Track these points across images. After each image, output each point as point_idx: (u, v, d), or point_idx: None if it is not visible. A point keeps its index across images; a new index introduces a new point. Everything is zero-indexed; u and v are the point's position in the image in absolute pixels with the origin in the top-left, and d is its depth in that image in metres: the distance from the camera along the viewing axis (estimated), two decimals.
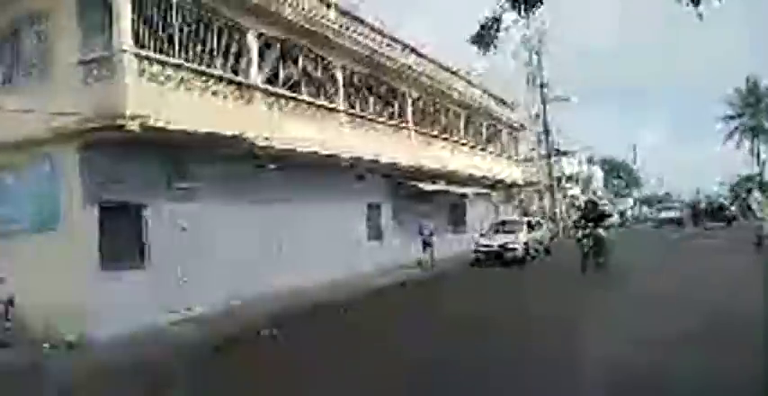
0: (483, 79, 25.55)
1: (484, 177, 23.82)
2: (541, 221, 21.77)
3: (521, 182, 28.98)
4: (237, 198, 11.92)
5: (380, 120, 16.62)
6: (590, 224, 13.64)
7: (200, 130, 9.93)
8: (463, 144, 22.42)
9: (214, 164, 11.35)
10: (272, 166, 12.85)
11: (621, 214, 45.24)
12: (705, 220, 30.62)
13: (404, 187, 17.92)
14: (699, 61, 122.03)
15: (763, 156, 50.46)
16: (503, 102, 27.78)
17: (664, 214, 37.42)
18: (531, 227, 18.46)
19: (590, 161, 58.87)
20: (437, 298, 12.27)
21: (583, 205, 14.91)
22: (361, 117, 15.68)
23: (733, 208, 34.02)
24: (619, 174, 72.64)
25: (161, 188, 10.08)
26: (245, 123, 11.15)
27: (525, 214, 31.11)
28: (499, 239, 17.32)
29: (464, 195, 22.42)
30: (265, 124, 11.76)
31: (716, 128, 63.98)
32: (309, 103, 13.55)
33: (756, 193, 12.37)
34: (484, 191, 23.91)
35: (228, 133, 10.43)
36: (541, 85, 31.34)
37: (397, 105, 18.01)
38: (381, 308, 11.06)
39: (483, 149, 24.45)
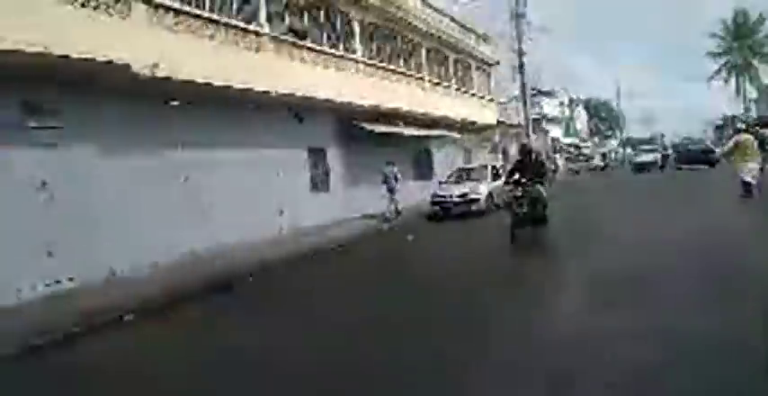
0: (454, 7, 22.83)
1: (451, 118, 21.55)
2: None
3: (494, 123, 26.78)
4: (138, 142, 9.81)
5: (322, 49, 14.13)
6: (525, 180, 9.46)
7: (55, 53, 7.62)
8: (427, 80, 20.02)
9: (103, 99, 9.14)
10: (176, 103, 10.61)
11: (603, 156, 43.32)
12: (684, 163, 28.63)
13: (355, 130, 15.70)
14: None
15: (750, 96, 48.32)
16: (474, 33, 25.09)
17: (643, 157, 34.13)
18: (496, 175, 16.44)
19: (572, 102, 56.60)
20: (371, 266, 10.40)
21: (519, 155, 10.25)
22: (294, 44, 13.17)
23: (717, 150, 32.26)
24: (601, 115, 70.29)
25: (11, 130, 7.85)
26: (126, 46, 8.78)
27: (505, 158, 29.15)
28: (459, 189, 15.33)
29: (429, 138, 20.28)
30: (154, 48, 9.35)
31: (704, 66, 61.40)
32: (223, 24, 11.06)
33: (742, 135, 10.84)
34: (452, 134, 21.71)
35: (90, 57, 8.06)
36: (517, 16, 28.40)
37: (343, 33, 15.46)
38: (300, 274, 9.22)
39: (448, 87, 22.03)
